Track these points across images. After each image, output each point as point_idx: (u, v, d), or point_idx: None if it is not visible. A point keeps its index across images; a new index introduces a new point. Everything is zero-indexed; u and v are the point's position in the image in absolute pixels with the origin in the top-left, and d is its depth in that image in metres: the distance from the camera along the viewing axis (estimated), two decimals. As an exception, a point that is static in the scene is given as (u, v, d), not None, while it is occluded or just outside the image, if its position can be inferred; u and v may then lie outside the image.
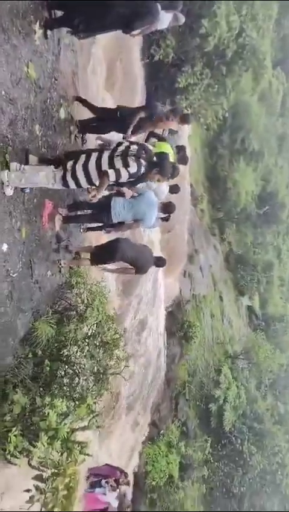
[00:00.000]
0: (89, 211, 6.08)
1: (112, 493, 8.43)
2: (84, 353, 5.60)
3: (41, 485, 4.17)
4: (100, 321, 6.06)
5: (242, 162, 22.64)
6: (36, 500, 4.09)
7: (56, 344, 5.38)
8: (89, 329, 5.88)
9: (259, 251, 25.38)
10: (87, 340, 5.77)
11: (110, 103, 8.67)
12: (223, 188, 21.43)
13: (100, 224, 6.63)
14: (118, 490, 8.61)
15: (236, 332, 23.07)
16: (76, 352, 5.51)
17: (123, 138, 5.88)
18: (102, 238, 7.42)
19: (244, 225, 24.97)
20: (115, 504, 8.46)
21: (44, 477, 4.25)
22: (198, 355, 17.95)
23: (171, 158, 6.37)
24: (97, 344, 5.93)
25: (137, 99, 9.97)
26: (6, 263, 4.37)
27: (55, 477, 4.28)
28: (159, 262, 6.50)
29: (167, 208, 6.65)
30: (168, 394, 15.58)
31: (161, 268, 7.14)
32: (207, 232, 21.35)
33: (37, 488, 4.14)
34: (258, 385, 22.53)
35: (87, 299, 6.07)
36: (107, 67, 8.67)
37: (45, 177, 4.68)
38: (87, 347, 5.70)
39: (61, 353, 5.37)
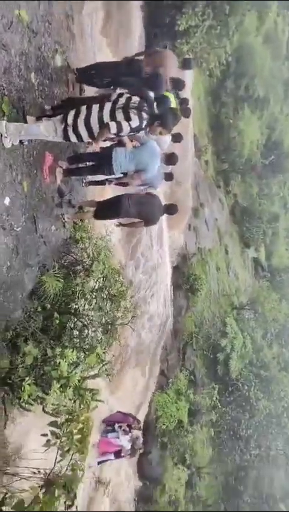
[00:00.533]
0: (90, 163, 5.94)
1: (124, 436, 8.86)
2: (92, 306, 5.69)
3: (57, 430, 4.37)
4: (106, 274, 6.11)
5: (247, 109, 21.84)
6: (52, 444, 4.30)
7: (64, 298, 5.45)
8: (96, 283, 5.94)
9: (264, 202, 25.01)
10: (94, 293, 5.84)
11: (106, 51, 8.29)
12: (227, 138, 20.81)
13: (102, 179, 6.53)
14: (130, 434, 9.03)
15: (242, 284, 23.25)
16: (84, 305, 5.59)
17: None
18: (106, 191, 7.32)
19: (249, 176, 24.50)
20: (128, 446, 8.91)
21: (59, 423, 4.44)
22: (204, 307, 18.20)
23: (172, 103, 6.16)
24: (104, 296, 6.01)
25: (134, 42, 9.52)
26: (10, 217, 4.34)
27: (69, 423, 4.47)
28: (170, 209, 6.40)
29: (170, 159, 6.50)
30: (176, 345, 15.95)
31: (172, 215, 7.05)
32: (212, 185, 21.00)
33: (52, 433, 4.34)
34: (264, 334, 22.95)
35: (92, 253, 6.08)
36: (103, 9, 8.20)
37: (46, 130, 4.57)
38: (95, 300, 5.78)
39: (70, 306, 5.45)
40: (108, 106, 4.54)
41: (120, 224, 6.84)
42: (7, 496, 3.93)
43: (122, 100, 4.59)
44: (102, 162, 5.60)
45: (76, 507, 4.14)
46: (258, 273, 25.96)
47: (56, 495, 4.04)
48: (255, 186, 25.24)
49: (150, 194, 6.30)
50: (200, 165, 18.61)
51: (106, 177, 6.27)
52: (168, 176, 6.79)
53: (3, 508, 3.97)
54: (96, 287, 5.91)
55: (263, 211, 24.10)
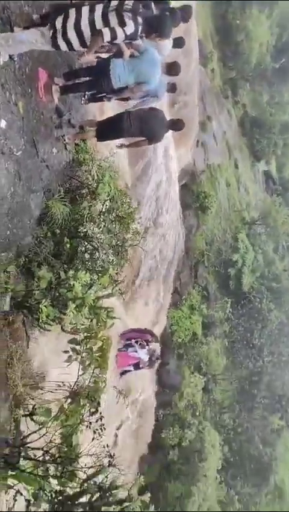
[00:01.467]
0: (87, 78, 5.57)
1: (142, 349, 9.36)
2: (101, 229, 5.69)
3: (77, 347, 4.60)
4: (112, 196, 6.02)
5: (255, 7, 19.92)
6: (74, 359, 4.56)
7: (72, 222, 5.45)
8: (103, 205, 5.88)
9: (275, 112, 23.78)
10: (102, 216, 5.81)
11: None
12: (234, 42, 19.29)
13: (101, 95, 6.15)
14: (147, 347, 9.53)
15: (253, 198, 22.94)
16: (93, 228, 5.58)
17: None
18: (106, 110, 6.96)
19: (259, 83, 23.04)
20: (146, 358, 9.46)
21: (78, 340, 4.66)
22: (215, 224, 18.19)
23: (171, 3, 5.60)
24: (112, 219, 5.98)
25: None
26: (8, 141, 4.18)
27: (88, 340, 4.69)
28: (176, 125, 6.08)
29: (172, 69, 6.01)
30: (188, 263, 16.23)
31: (178, 131, 6.73)
32: (219, 95, 19.88)
33: (73, 349, 4.57)
34: (275, 248, 23.09)
35: (97, 175, 5.94)
36: None
37: (32, 36, 4.22)
38: (103, 223, 5.77)
39: (79, 230, 5.46)
40: (99, 8, 4.14)
41: (122, 146, 6.56)
42: (36, 407, 4.27)
43: (115, 2, 4.18)
44: (100, 75, 5.23)
45: (100, 413, 4.50)
46: (269, 186, 25.47)
47: (81, 404, 4.37)
48: (265, 94, 23.87)
49: (153, 108, 5.96)
50: (206, 74, 17.47)
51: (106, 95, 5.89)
52: (171, 87, 6.35)
53: (34, 418, 4.34)
54: (103, 210, 5.86)
55: (274, 121, 23.00)
